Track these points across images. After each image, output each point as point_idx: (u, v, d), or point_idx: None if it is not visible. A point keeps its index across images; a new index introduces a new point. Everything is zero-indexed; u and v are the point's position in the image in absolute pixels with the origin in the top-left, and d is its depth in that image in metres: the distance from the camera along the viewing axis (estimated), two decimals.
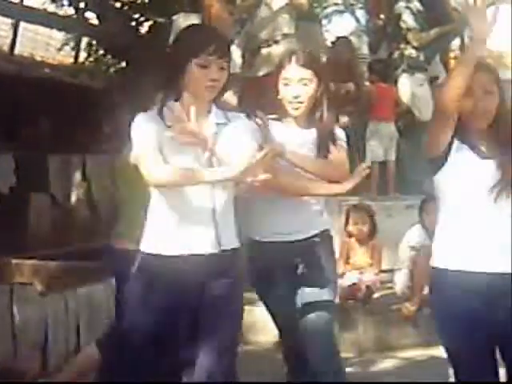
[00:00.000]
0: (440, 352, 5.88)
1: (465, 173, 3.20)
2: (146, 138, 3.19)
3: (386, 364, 5.66)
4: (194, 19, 8.71)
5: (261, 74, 8.62)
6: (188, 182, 3.15)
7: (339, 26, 18.33)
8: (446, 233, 3.26)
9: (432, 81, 9.28)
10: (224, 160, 3.16)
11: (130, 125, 3.33)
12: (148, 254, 3.29)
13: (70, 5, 12.08)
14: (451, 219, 3.24)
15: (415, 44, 9.35)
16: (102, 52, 12.55)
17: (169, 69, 3.26)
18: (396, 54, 9.62)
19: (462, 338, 3.20)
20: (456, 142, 3.23)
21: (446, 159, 3.21)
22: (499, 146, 3.23)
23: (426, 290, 6.52)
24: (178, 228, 3.22)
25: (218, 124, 3.25)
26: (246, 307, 6.35)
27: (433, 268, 3.27)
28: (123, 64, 12.03)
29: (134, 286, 3.29)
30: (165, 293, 3.21)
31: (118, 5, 11.34)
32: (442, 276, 3.23)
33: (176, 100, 3.27)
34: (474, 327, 3.13)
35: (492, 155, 3.22)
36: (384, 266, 6.69)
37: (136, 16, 11.58)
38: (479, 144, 3.25)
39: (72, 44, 13.30)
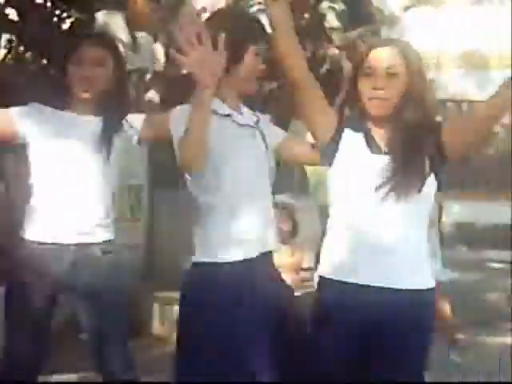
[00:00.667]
0: None
1: (353, 169, 2.76)
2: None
3: None
4: (117, 16, 8.64)
5: (185, 72, 8.58)
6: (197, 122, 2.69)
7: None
8: (330, 236, 2.83)
9: None
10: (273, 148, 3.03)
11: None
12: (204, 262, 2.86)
13: None
14: (337, 222, 2.81)
15: (338, 44, 9.41)
16: (22, 49, 12.30)
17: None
18: (319, 54, 9.67)
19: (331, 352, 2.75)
20: (348, 131, 2.82)
21: (337, 150, 2.80)
22: (400, 138, 2.75)
23: None
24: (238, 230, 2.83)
25: (253, 113, 3.11)
26: (169, 306, 6.37)
27: (319, 276, 2.85)
28: (44, 61, 11.82)
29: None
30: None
31: (39, 1, 11.12)
32: (322, 284, 2.82)
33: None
34: (345, 345, 2.73)
35: (389, 149, 2.76)
36: (305, 265, 6.71)
37: (58, 12, 11.37)
38: (376, 135, 2.79)
39: None
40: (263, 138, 3.02)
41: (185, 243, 6.91)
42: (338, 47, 9.40)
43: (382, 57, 2.74)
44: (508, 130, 15.40)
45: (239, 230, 2.82)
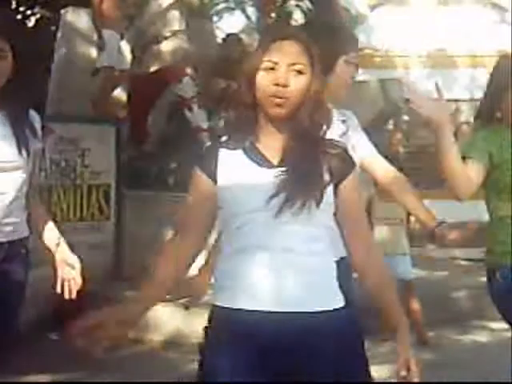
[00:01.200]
0: None
1: (241, 188, 2.41)
2: None
3: None
4: (83, 14, 8.57)
5: (151, 70, 8.56)
6: None
7: (230, 23, 18.37)
8: (222, 263, 2.49)
9: None
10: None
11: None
12: None
13: None
14: (229, 247, 2.46)
15: None
16: None
17: None
18: None
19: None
20: (224, 151, 2.46)
21: (216, 159, 2.46)
22: (293, 147, 2.42)
23: None
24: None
25: (342, 121, 3.12)
26: None
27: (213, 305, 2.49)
28: None
29: None
30: None
31: None
32: (216, 314, 2.47)
33: None
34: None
35: (281, 160, 2.42)
36: None
37: (22, 9, 11.29)
38: (264, 146, 2.44)
39: None
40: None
41: (154, 242, 6.89)
42: None
43: (286, 51, 2.42)
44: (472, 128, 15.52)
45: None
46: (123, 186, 7.67)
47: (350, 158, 2.50)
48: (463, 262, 9.26)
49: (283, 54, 2.40)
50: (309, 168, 2.38)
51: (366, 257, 2.50)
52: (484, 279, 3.39)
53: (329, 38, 3.05)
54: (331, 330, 2.39)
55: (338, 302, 2.46)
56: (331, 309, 2.41)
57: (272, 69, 2.39)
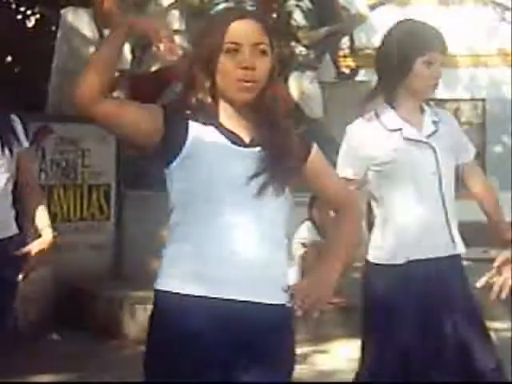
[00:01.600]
0: (327, 347, 6.03)
1: (215, 159, 2.25)
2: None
3: None
4: (83, 14, 8.57)
5: (151, 70, 8.55)
6: None
7: None
8: (178, 241, 2.39)
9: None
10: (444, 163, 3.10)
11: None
12: None
13: None
14: (187, 223, 2.35)
15: (305, 42, 9.42)
16: None
17: (392, 70, 3.14)
18: (286, 52, 9.68)
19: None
20: (194, 124, 2.27)
21: (182, 147, 2.27)
22: (264, 127, 2.29)
23: None
24: None
25: (433, 122, 3.16)
26: (139, 306, 6.34)
27: (157, 290, 2.40)
28: (9, 59, 11.73)
29: None
30: None
31: None
32: (165, 300, 2.38)
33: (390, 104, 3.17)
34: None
35: (253, 141, 2.29)
36: None
37: (22, 9, 11.29)
38: (235, 125, 2.29)
39: None
40: (435, 155, 3.07)
41: (154, 242, 6.88)
42: (304, 46, 9.42)
43: (248, 31, 2.25)
44: (472, 128, 15.53)
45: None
46: (123, 186, 7.67)
47: (306, 140, 2.44)
48: (463, 262, 9.27)
49: (245, 34, 2.24)
50: (284, 149, 2.28)
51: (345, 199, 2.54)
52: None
53: (406, 37, 3.13)
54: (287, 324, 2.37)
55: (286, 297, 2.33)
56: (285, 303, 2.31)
57: (235, 50, 2.23)
